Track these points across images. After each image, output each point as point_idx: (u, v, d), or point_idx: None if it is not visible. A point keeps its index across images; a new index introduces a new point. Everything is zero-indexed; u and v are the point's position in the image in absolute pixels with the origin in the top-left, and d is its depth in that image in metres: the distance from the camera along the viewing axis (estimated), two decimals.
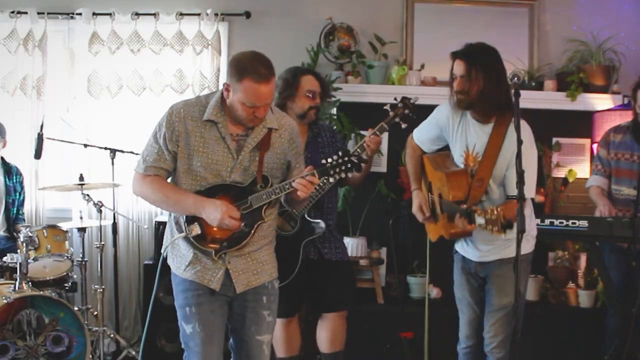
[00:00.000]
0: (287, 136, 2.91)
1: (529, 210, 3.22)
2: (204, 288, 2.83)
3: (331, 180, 2.88)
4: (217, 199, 2.75)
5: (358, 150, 3.55)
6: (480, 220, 2.81)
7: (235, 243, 2.80)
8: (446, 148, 3.40)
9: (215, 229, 2.77)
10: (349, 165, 2.77)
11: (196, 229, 2.78)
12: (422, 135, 3.44)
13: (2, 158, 4.78)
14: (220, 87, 2.94)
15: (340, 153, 2.78)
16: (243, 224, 2.77)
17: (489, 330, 3.24)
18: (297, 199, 2.81)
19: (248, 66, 2.69)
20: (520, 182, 2.76)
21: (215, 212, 2.71)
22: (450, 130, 3.28)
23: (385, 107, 3.62)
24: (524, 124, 3.11)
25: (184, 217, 2.82)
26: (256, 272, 2.86)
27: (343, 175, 2.77)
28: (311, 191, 2.76)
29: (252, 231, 2.80)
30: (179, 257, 2.88)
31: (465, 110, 3.20)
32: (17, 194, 4.84)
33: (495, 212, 2.73)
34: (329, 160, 2.77)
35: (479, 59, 3.10)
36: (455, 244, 3.41)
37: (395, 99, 3.65)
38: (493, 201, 3.16)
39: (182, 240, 2.85)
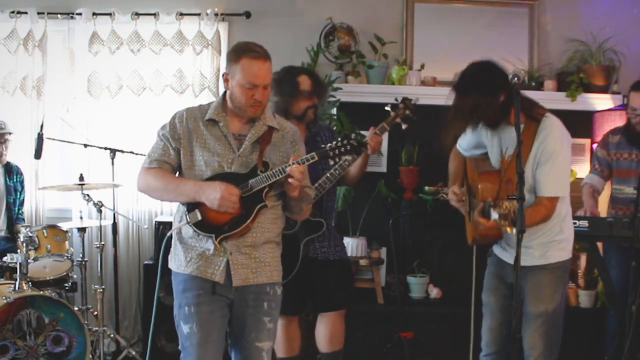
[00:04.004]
0: (290, 138, 2.95)
1: (562, 212, 3.13)
2: (205, 287, 2.82)
3: (331, 162, 2.88)
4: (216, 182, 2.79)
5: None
6: (494, 215, 2.77)
7: (236, 226, 2.79)
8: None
9: (215, 214, 2.77)
10: (349, 148, 2.80)
11: (196, 216, 2.79)
12: (463, 143, 3.42)
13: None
14: (221, 88, 2.97)
15: (339, 138, 2.83)
16: (243, 209, 2.76)
17: (526, 342, 3.14)
18: (289, 192, 2.80)
19: (244, 47, 2.84)
20: (520, 182, 2.73)
21: (215, 192, 2.73)
22: (486, 137, 3.26)
23: (386, 108, 3.63)
24: (554, 121, 3.10)
25: (185, 206, 2.84)
26: (255, 270, 2.84)
27: (343, 157, 2.79)
28: (300, 181, 2.75)
29: (253, 214, 2.79)
30: (180, 255, 2.88)
31: (482, 127, 3.16)
32: (18, 193, 4.85)
33: (508, 207, 2.68)
34: (329, 144, 2.81)
35: (466, 87, 3.05)
36: (493, 246, 3.33)
37: (396, 99, 3.65)
38: (529, 200, 3.06)
39: (183, 239, 2.87)
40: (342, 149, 2.80)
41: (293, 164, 2.75)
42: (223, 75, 2.88)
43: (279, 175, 2.78)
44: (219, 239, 2.79)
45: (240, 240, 2.82)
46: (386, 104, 3.67)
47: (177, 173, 2.92)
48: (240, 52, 2.81)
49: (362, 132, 4.59)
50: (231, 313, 2.88)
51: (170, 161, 2.88)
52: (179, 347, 2.90)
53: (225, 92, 2.92)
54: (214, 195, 2.73)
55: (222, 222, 2.78)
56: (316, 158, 2.79)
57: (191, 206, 2.81)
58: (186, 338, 2.84)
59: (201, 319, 2.81)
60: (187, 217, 2.81)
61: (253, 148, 2.86)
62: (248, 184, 2.79)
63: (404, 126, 3.61)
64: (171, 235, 2.92)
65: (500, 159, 3.19)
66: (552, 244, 3.13)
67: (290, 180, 2.75)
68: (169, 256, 2.95)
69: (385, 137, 4.81)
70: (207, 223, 2.80)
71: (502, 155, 3.18)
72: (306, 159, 2.78)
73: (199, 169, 2.84)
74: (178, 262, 2.89)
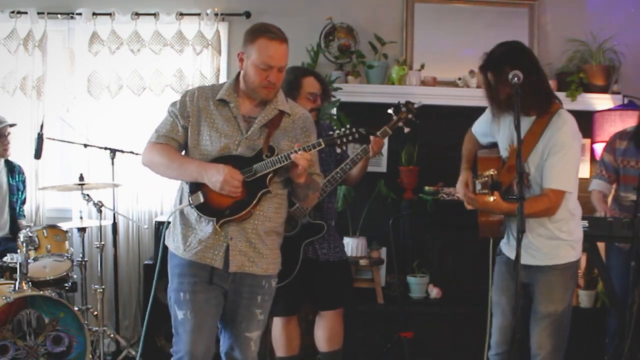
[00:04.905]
0: (301, 124, 2.93)
1: (571, 209, 3.10)
2: (201, 276, 2.82)
3: (338, 150, 2.86)
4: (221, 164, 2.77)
5: (361, 153, 3.56)
6: (478, 186, 2.78)
7: (237, 211, 2.78)
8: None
9: (217, 197, 2.76)
10: (357, 137, 2.78)
11: (199, 198, 2.78)
12: (477, 128, 3.40)
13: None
14: None
15: (347, 125, 2.81)
16: (246, 194, 2.75)
17: (534, 341, 3.14)
18: (295, 178, 2.78)
19: (262, 27, 2.82)
20: (521, 182, 2.73)
21: (218, 175, 2.72)
22: (497, 129, 3.24)
23: (389, 111, 3.62)
24: (566, 116, 3.07)
25: (188, 186, 2.83)
26: (252, 260, 2.84)
27: (349, 145, 2.78)
28: (306, 165, 2.73)
29: (255, 200, 2.78)
30: (178, 236, 2.87)
31: (504, 114, 3.13)
32: (20, 193, 4.85)
33: (487, 175, 2.73)
34: (337, 132, 2.79)
35: (500, 64, 3.01)
36: (500, 244, 3.31)
37: (399, 102, 3.64)
38: (535, 194, 3.06)
39: (184, 219, 2.87)
40: (350, 137, 2.78)
41: (299, 150, 2.73)
42: (238, 54, 2.85)
43: (283, 162, 2.76)
44: (220, 222, 2.78)
45: (242, 226, 2.81)
46: (386, 105, 3.67)
47: (184, 151, 2.91)
48: (258, 32, 2.79)
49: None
50: (225, 301, 2.89)
51: (178, 138, 2.87)
52: (172, 330, 2.90)
53: (239, 72, 2.90)
54: (216, 177, 2.72)
55: (224, 206, 2.77)
56: (323, 145, 2.77)
57: (194, 187, 2.80)
58: (180, 323, 2.84)
59: (196, 306, 2.81)
60: (190, 198, 2.80)
61: (261, 131, 2.84)
62: (252, 169, 2.77)
63: (406, 130, 3.60)
64: (168, 223, 2.91)
65: (509, 147, 3.16)
66: (561, 243, 3.12)
67: (298, 168, 2.73)
68: (166, 233, 2.93)
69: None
70: (209, 206, 2.79)
71: (511, 144, 3.14)
72: (312, 146, 2.76)
73: (205, 148, 2.83)
74: (176, 243, 2.88)
